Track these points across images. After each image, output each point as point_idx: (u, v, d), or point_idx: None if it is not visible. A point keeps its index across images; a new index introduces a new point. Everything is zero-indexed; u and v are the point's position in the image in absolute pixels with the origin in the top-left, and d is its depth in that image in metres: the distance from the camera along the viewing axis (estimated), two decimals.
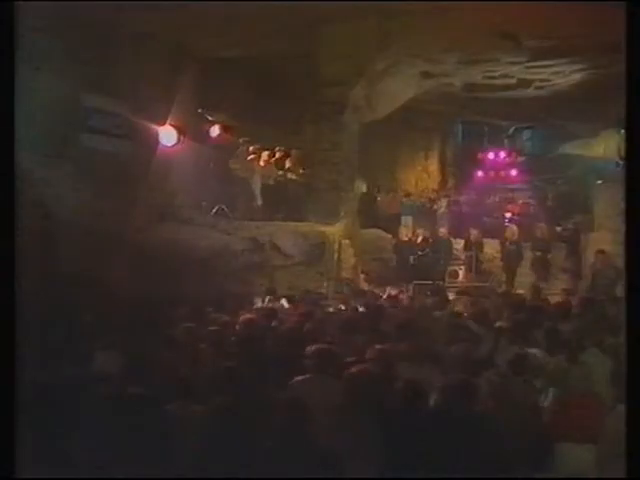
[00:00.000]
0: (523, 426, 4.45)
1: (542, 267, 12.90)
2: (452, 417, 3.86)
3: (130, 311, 6.99)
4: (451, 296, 9.93)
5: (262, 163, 13.09)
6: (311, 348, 4.62)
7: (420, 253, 13.03)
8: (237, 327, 6.17)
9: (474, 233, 13.72)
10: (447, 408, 3.95)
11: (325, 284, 11.08)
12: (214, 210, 12.08)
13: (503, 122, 19.19)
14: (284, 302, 8.59)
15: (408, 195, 16.96)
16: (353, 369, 4.15)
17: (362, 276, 12.39)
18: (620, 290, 9.76)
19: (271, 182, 13.06)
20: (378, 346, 4.91)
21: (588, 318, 7.03)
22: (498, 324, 6.61)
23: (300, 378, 4.40)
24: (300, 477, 3.21)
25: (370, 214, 16.08)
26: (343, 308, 8.67)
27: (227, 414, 3.51)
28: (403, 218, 15.17)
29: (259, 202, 12.90)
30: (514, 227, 13.81)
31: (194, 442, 3.51)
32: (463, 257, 13.50)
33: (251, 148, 13.19)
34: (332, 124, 12.68)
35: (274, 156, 13.23)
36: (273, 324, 6.64)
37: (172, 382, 4.21)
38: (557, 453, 4.49)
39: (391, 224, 14.46)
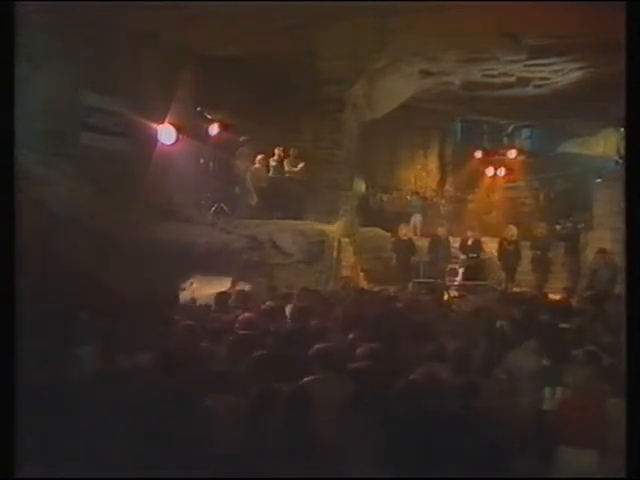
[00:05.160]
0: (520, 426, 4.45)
1: (541, 265, 12.91)
2: (450, 416, 3.87)
3: (129, 309, 6.98)
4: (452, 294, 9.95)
5: (261, 161, 13.08)
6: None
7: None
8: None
9: (473, 231, 13.71)
10: (446, 407, 3.95)
11: (324, 282, 11.09)
12: (213, 208, 12.09)
13: (502, 120, 19.19)
14: None
15: (416, 194, 16.98)
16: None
17: (361, 274, 12.41)
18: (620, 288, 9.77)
19: (270, 180, 13.06)
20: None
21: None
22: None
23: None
24: (301, 477, 3.21)
25: (371, 212, 16.12)
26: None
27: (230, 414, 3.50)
28: (412, 217, 15.20)
29: (258, 200, 12.91)
30: (513, 226, 13.80)
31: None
32: (463, 256, 13.48)
33: (250, 146, 13.18)
34: (331, 122, 12.70)
35: (273, 154, 13.23)
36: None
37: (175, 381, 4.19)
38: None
39: (395, 223, 14.43)
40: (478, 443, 3.65)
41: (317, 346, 4.64)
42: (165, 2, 9.86)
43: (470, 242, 13.27)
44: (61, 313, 5.95)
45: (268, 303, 7.37)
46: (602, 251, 11.46)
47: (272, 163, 13.16)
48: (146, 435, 3.40)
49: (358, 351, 4.84)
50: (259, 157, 13.03)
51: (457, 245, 13.52)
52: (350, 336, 5.42)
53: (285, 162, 13.18)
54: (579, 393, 4.59)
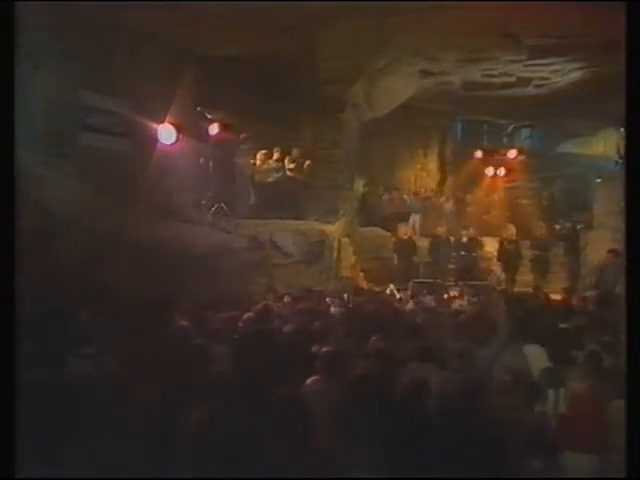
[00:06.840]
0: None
1: (541, 265, 12.92)
2: (450, 416, 3.87)
3: (129, 309, 6.97)
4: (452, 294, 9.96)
5: (261, 161, 13.08)
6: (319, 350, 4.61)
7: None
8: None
9: (472, 231, 13.73)
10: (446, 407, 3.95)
11: (324, 282, 11.10)
12: (213, 208, 12.09)
13: (502, 120, 19.18)
14: None
15: (415, 194, 16.98)
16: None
17: (361, 274, 12.41)
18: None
19: (270, 180, 13.06)
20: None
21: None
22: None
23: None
24: (301, 477, 3.20)
25: (371, 212, 16.12)
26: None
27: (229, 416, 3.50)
28: (412, 216, 15.20)
29: (258, 200, 12.91)
30: (513, 225, 13.81)
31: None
32: (462, 255, 13.48)
33: (250, 146, 13.18)
34: (332, 122, 12.71)
35: (273, 154, 13.23)
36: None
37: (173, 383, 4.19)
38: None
39: (395, 222, 14.42)
40: (477, 444, 3.65)
41: (323, 349, 4.63)
42: (165, 2, 9.86)
43: (465, 240, 13.29)
44: (61, 313, 5.94)
45: (268, 303, 7.38)
46: (612, 251, 11.35)
47: (272, 163, 13.16)
48: (145, 435, 3.40)
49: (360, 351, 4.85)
50: (259, 156, 13.03)
51: (453, 244, 13.54)
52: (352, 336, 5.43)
53: (285, 162, 13.18)
54: (582, 394, 4.59)
